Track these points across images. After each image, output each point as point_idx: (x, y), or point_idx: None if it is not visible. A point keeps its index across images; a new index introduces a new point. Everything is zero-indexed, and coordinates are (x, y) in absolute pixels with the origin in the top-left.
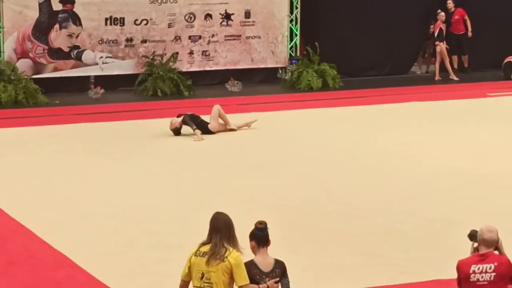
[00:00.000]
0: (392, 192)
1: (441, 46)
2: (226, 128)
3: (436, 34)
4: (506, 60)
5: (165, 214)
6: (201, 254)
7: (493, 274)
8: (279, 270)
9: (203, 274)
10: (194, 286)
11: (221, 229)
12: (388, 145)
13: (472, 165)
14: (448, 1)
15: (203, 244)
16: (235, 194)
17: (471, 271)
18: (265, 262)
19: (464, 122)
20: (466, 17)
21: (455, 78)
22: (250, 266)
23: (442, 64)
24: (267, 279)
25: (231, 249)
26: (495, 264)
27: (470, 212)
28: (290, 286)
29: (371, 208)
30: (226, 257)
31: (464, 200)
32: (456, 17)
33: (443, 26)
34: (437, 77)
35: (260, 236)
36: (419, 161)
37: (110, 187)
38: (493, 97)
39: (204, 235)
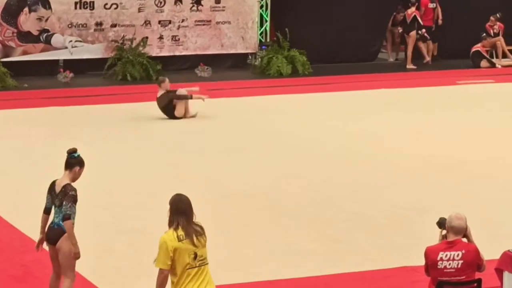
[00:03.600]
0: (360, 179)
1: (413, 34)
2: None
3: (408, 21)
4: (473, 49)
5: (130, 198)
6: (183, 238)
7: (461, 261)
8: (61, 195)
9: (195, 254)
10: (186, 269)
11: (186, 210)
12: (357, 131)
13: (440, 152)
14: None
15: (175, 229)
16: (203, 179)
17: (438, 258)
18: (59, 184)
19: (433, 109)
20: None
21: (412, 67)
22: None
23: (416, 51)
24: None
25: (198, 223)
26: (463, 251)
27: (438, 199)
28: (69, 212)
29: (339, 195)
30: (204, 231)
31: (432, 187)
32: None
33: (417, 14)
34: (408, 65)
35: (67, 160)
36: (388, 148)
37: None
38: (462, 85)
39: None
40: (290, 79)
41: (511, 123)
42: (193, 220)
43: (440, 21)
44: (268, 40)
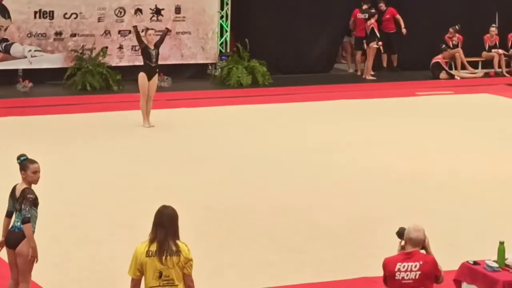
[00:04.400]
0: (320, 189)
1: (372, 46)
2: None
3: (368, 32)
4: (434, 60)
5: (92, 208)
6: (153, 254)
7: (418, 272)
8: (21, 199)
9: (161, 273)
10: (151, 287)
11: (165, 224)
12: (316, 142)
13: (399, 162)
14: (380, 4)
15: (150, 241)
16: (161, 190)
17: (396, 269)
18: (19, 189)
19: (392, 120)
20: (398, 16)
21: (372, 77)
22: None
23: (376, 62)
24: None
25: (179, 242)
26: (420, 262)
27: (397, 209)
28: (28, 215)
29: (298, 205)
30: (180, 252)
31: (391, 198)
32: (387, 16)
33: (375, 25)
34: (366, 76)
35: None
36: (347, 158)
37: None
38: (421, 96)
39: (130, 229)
40: (250, 89)
41: (470, 134)
42: (176, 236)
43: (403, 30)
44: (228, 50)
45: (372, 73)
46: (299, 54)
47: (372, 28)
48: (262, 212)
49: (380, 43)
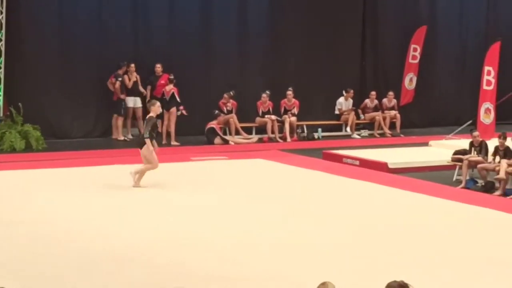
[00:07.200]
0: (66, 259)
1: (173, 111)
2: None
3: (168, 98)
4: (208, 125)
5: None
6: None
7: None
8: None
9: None
10: None
11: None
12: (81, 210)
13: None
14: (157, 65)
15: None
16: None
17: None
18: None
19: (161, 185)
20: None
21: (176, 143)
22: None
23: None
24: None
25: None
26: None
27: None
28: None
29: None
30: None
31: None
32: (162, 81)
33: (176, 91)
34: (173, 142)
35: None
36: (96, 227)
37: None
38: (196, 161)
39: None
40: (24, 154)
41: (247, 199)
42: None
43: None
44: (1, 114)
45: None
46: (75, 118)
47: (173, 93)
48: None
49: (181, 107)
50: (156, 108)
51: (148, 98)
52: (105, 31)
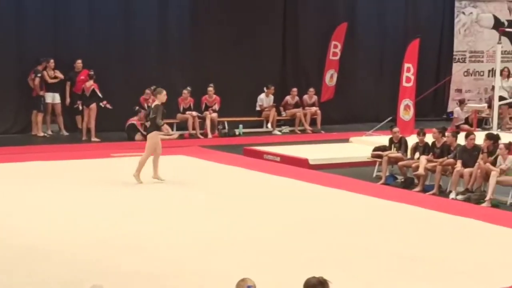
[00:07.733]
0: None
1: (93, 107)
2: None
3: (88, 94)
4: (129, 122)
5: None
6: None
7: None
8: None
9: None
10: None
11: None
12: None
13: (95, 227)
14: (78, 61)
15: None
16: None
17: None
18: None
19: (84, 182)
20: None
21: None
22: None
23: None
24: None
25: None
26: None
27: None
28: None
29: None
30: None
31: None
32: (82, 77)
33: (96, 87)
34: (93, 138)
35: None
36: (29, 223)
37: None
38: (116, 157)
39: None
40: None
41: (167, 196)
42: None
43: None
44: None
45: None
46: None
47: (93, 89)
48: None
49: (104, 102)
50: (162, 97)
51: (68, 94)
52: (24, 26)
